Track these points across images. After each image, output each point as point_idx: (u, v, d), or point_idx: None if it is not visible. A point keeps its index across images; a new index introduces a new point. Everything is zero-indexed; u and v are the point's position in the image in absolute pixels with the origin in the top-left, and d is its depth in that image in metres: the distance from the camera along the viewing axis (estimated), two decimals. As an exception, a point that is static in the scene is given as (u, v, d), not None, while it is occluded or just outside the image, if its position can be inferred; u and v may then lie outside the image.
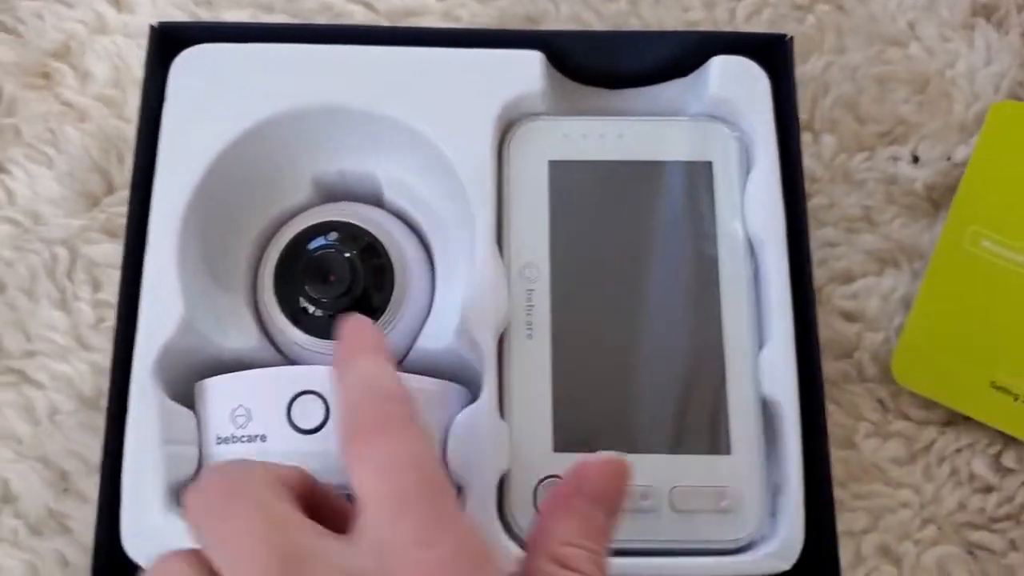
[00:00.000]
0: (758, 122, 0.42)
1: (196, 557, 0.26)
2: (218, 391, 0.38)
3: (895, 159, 0.51)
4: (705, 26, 0.52)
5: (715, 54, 0.43)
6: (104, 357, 0.47)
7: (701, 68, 0.43)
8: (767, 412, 0.40)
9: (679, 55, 0.43)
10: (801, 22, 0.52)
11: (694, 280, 0.41)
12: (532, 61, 0.42)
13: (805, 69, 0.51)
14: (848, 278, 0.49)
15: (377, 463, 0.27)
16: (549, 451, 0.39)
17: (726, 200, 0.42)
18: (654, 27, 0.52)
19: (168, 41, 0.42)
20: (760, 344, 0.40)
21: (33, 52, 0.51)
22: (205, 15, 0.52)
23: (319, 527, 0.27)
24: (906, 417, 0.48)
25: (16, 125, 0.50)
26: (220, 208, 0.41)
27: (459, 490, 0.40)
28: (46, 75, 0.51)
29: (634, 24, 0.52)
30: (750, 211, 0.41)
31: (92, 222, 0.49)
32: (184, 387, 0.39)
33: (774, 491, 0.39)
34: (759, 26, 0.52)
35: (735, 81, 0.42)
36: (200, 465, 0.38)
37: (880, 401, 0.48)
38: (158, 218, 0.40)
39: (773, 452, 0.39)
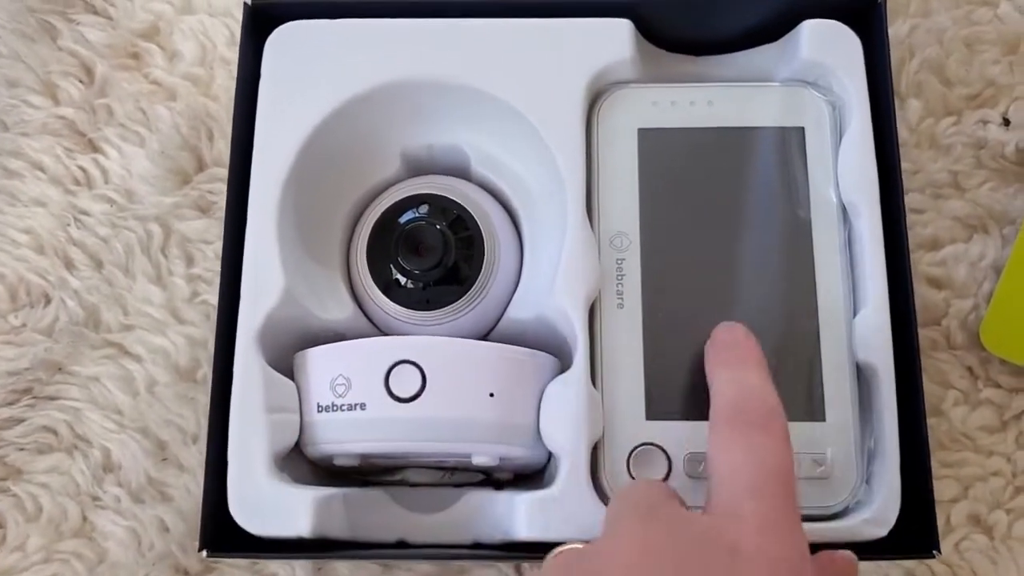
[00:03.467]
0: (851, 86, 0.41)
1: None
2: (318, 361, 0.39)
3: (984, 122, 0.50)
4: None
5: (805, 18, 0.42)
6: (198, 330, 0.48)
7: (791, 33, 0.43)
8: (862, 378, 0.39)
9: (768, 20, 0.43)
10: (886, -15, 0.51)
11: (787, 246, 0.41)
12: (620, 29, 0.42)
13: (890, 32, 0.50)
14: (935, 245, 0.49)
15: (750, 449, 0.31)
16: (642, 419, 0.39)
17: (819, 165, 0.41)
18: None
19: (262, 18, 0.43)
20: (855, 310, 0.40)
21: (123, 33, 0.52)
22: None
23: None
24: (996, 385, 0.47)
25: (108, 105, 0.52)
26: (314, 183, 0.42)
27: (549, 457, 0.40)
28: (136, 55, 0.52)
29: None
30: (843, 176, 0.41)
31: (184, 199, 0.50)
32: (283, 357, 0.40)
33: (869, 457, 0.39)
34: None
35: (827, 45, 0.42)
36: (301, 432, 0.39)
37: (969, 369, 0.47)
38: (257, 193, 0.41)
39: (868, 418, 0.39)
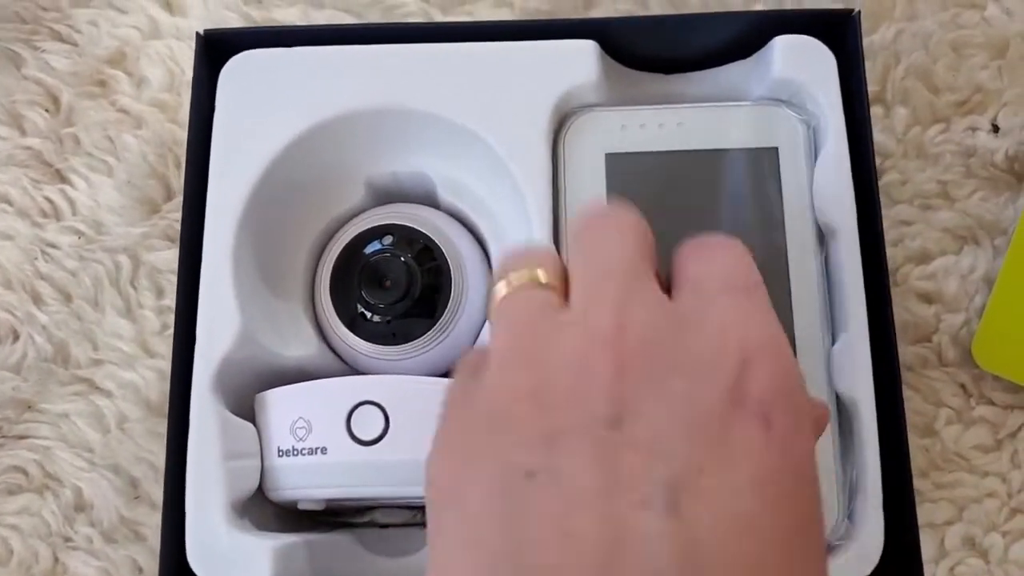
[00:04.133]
0: (825, 104, 0.40)
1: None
2: (277, 404, 0.38)
3: (973, 130, 0.48)
4: (768, -2, 0.50)
5: (778, 34, 0.41)
6: (168, 364, 0.47)
7: (763, 49, 0.41)
8: (842, 410, 0.38)
9: (739, 36, 0.41)
10: (869, -11, 0.50)
11: (762, 272, 0.39)
12: (585, 51, 0.41)
13: (875, 38, 0.49)
14: (925, 257, 0.47)
15: (714, 260, 0.29)
16: None
17: (794, 187, 0.40)
18: (713, 3, 0.50)
19: (216, 48, 0.42)
20: (833, 338, 0.38)
21: (89, 60, 0.51)
22: (256, 14, 0.51)
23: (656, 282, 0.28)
24: (990, 402, 0.46)
25: (75, 134, 0.51)
26: (274, 216, 0.41)
27: None
28: (102, 83, 0.51)
29: (693, 0, 0.50)
30: (819, 198, 0.39)
31: (152, 229, 0.49)
32: (245, 398, 0.39)
33: (851, 492, 0.37)
34: (827, -5, 0.50)
35: (800, 61, 0.40)
36: (262, 477, 0.38)
37: (962, 386, 0.46)
38: (212, 229, 0.39)
39: (849, 452, 0.38)
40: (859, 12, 0.40)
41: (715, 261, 0.29)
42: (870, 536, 0.36)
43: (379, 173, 0.42)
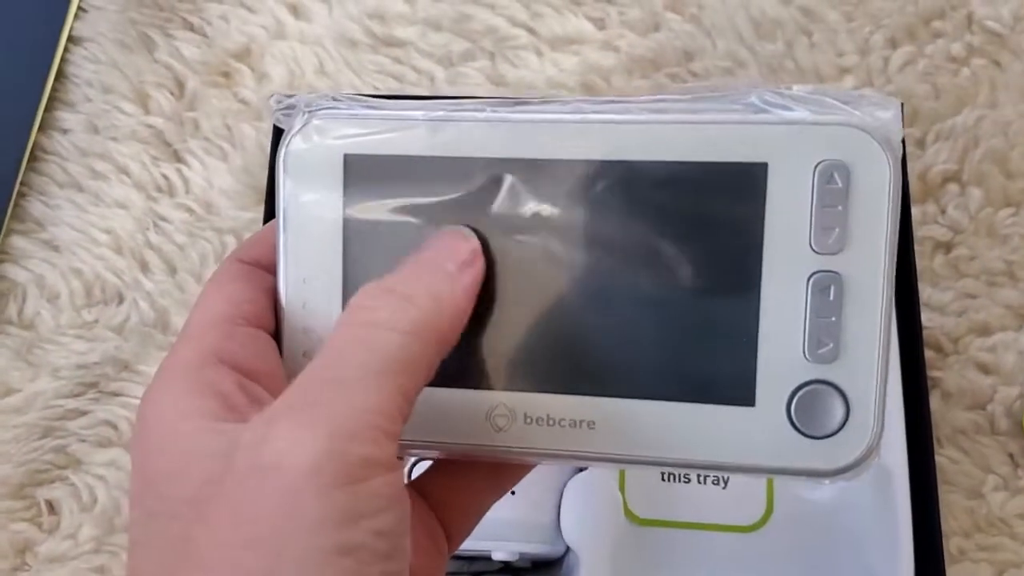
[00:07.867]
0: None
1: None
2: None
3: (1042, 216, 0.51)
4: (858, 73, 0.53)
5: None
6: (262, 343, 0.50)
7: None
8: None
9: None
10: (956, 74, 0.53)
11: None
12: None
13: (957, 120, 0.52)
14: (986, 331, 0.50)
15: None
16: None
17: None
18: (808, 72, 0.53)
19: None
20: None
21: (216, 52, 0.55)
22: (377, 28, 0.55)
23: None
24: (1036, 474, 0.48)
25: (196, 119, 0.54)
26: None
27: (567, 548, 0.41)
28: (227, 74, 0.55)
29: (788, 67, 0.53)
30: None
31: (261, 215, 0.52)
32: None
33: None
34: (913, 76, 0.53)
35: None
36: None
37: (1010, 455, 0.48)
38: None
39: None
40: (902, 104, 0.43)
41: None
42: None
43: None
